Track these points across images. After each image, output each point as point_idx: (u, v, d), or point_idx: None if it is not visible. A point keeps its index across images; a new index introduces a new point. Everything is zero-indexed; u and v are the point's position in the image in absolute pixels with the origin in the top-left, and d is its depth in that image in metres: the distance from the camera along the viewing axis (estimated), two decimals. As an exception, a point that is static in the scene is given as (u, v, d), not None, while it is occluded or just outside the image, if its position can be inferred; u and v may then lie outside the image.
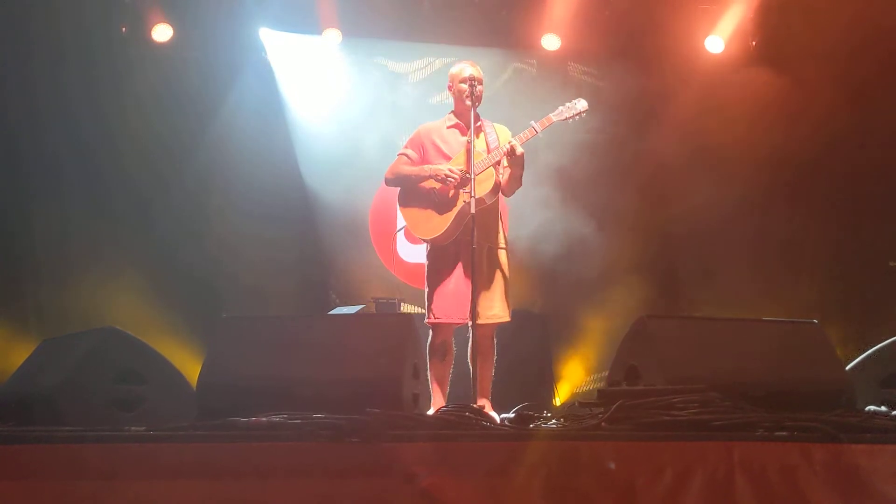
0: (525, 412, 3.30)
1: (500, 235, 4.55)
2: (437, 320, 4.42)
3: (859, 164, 6.63)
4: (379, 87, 7.20)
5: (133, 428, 2.92)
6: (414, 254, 6.49)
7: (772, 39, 7.00)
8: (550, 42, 7.11)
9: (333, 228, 7.11)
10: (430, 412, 3.76)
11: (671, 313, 6.27)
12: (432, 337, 4.46)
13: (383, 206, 7.17)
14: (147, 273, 6.39)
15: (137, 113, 6.55)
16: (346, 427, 2.56)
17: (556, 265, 6.66)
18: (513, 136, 4.42)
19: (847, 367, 3.66)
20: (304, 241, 7.08)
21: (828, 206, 6.79)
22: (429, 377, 4.32)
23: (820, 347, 3.42)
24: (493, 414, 3.87)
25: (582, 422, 2.89)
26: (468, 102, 4.37)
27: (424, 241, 4.57)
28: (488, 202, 4.40)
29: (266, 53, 7.05)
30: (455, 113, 4.65)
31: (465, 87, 4.46)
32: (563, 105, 4.53)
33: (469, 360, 4.16)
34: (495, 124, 4.61)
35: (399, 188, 4.64)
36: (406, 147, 4.69)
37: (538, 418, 3.21)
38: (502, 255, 4.52)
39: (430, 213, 4.48)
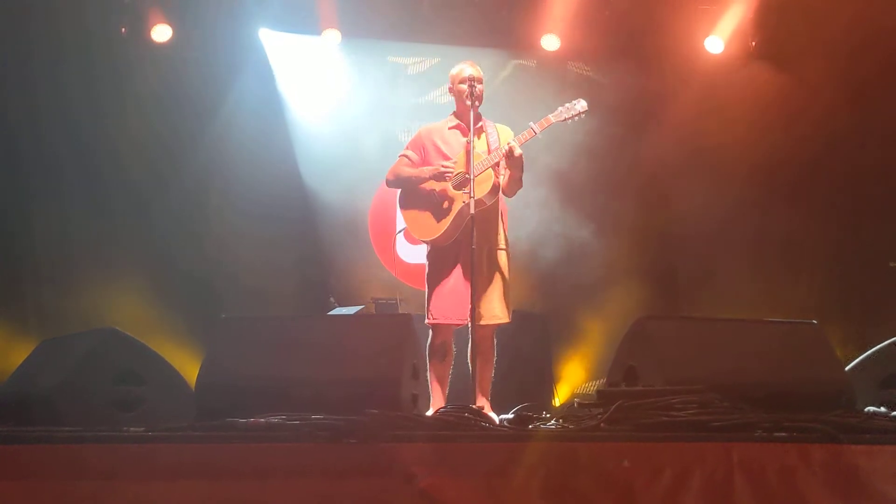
0: (524, 413, 3.31)
1: (501, 236, 4.54)
2: (436, 321, 4.42)
3: (859, 164, 6.63)
4: (379, 87, 7.20)
5: (132, 428, 2.92)
6: (414, 254, 6.49)
7: (771, 39, 7.00)
8: (550, 42, 7.11)
9: (333, 228, 7.11)
10: (430, 413, 3.76)
11: (670, 314, 6.27)
12: (432, 337, 4.46)
13: (383, 206, 7.17)
14: (146, 273, 6.40)
15: (137, 113, 6.55)
16: (344, 428, 2.56)
17: (555, 266, 6.66)
18: (514, 137, 4.42)
19: (847, 368, 3.66)
20: (303, 242, 7.08)
21: (828, 206, 6.78)
22: (429, 378, 4.32)
23: (819, 348, 3.42)
24: (493, 415, 3.87)
25: (581, 422, 2.89)
26: (468, 103, 4.37)
27: (424, 242, 4.57)
28: (488, 203, 4.39)
29: (266, 53, 7.05)
30: (456, 114, 4.65)
31: (464, 87, 4.45)
32: (563, 106, 4.51)
33: (469, 360, 4.16)
34: (498, 125, 4.59)
35: (399, 190, 4.64)
36: (407, 148, 4.69)
37: (537, 419, 3.22)
38: (502, 257, 4.52)
39: (430, 214, 4.48)
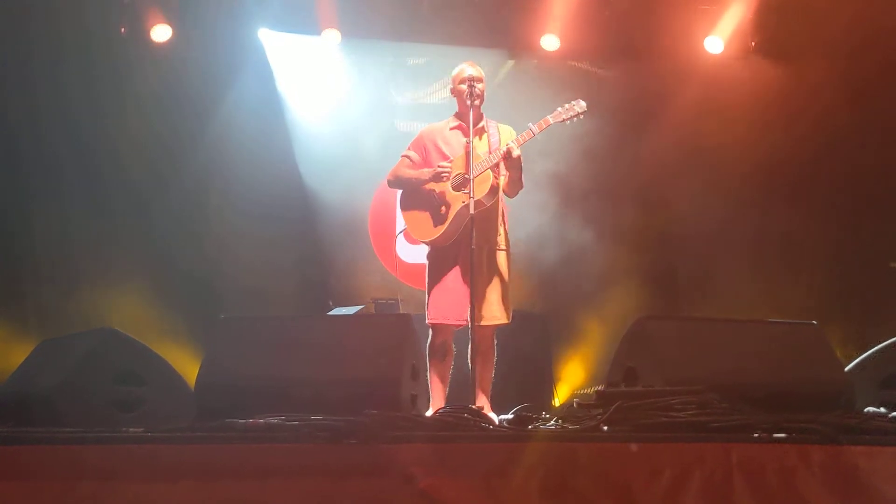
0: (524, 413, 3.31)
1: (501, 237, 4.54)
2: (436, 321, 4.42)
3: (859, 164, 6.63)
4: (379, 87, 7.20)
5: (132, 429, 2.92)
6: (414, 254, 6.49)
7: (771, 39, 6.99)
8: (550, 42, 7.10)
9: (333, 228, 7.11)
10: (430, 413, 3.76)
11: (670, 314, 6.27)
12: (432, 338, 4.46)
13: (383, 206, 7.17)
14: (146, 273, 6.40)
15: (137, 113, 6.54)
16: (344, 428, 2.56)
17: (555, 266, 6.66)
18: (512, 138, 4.42)
19: (846, 368, 3.65)
20: (303, 242, 7.08)
21: (828, 206, 6.77)
22: (429, 378, 4.32)
23: (819, 348, 3.43)
24: (493, 415, 3.88)
25: (580, 423, 2.89)
26: (469, 103, 4.37)
27: (424, 243, 4.57)
28: (487, 204, 4.38)
29: (266, 54, 7.05)
30: (458, 114, 4.64)
31: (465, 87, 4.46)
32: (562, 106, 4.51)
33: (469, 360, 4.16)
34: (500, 125, 4.59)
35: (400, 191, 4.64)
36: (408, 149, 4.69)
37: (537, 419, 3.21)
38: (502, 257, 4.51)
39: (429, 215, 4.48)
